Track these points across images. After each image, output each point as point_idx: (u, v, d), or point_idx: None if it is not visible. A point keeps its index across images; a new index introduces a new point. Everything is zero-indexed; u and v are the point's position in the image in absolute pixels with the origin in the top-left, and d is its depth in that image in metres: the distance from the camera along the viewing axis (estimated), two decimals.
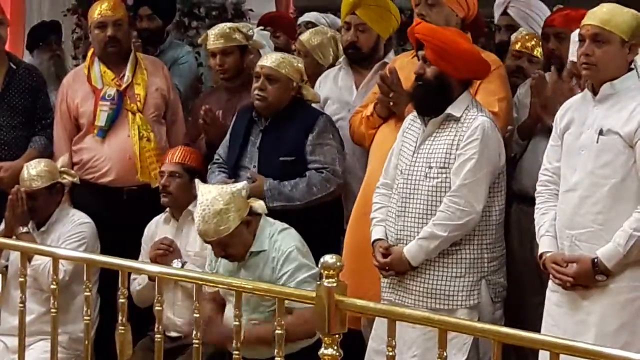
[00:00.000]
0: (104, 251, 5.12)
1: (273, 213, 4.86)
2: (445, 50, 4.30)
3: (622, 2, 4.05)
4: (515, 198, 4.79)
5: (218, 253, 4.50)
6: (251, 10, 7.14)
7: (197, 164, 5.19)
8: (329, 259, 3.30)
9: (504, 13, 5.29)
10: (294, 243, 4.49)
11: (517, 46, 5.34)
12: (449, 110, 4.31)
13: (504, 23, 5.39)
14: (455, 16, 4.75)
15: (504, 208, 4.43)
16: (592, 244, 3.91)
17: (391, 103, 4.70)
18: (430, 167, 4.31)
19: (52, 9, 7.66)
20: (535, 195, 4.18)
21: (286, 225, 4.61)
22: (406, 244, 4.31)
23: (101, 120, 5.39)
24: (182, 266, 4.92)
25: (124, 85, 5.45)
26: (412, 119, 4.46)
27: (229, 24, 5.56)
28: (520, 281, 4.68)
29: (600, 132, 3.93)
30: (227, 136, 5.17)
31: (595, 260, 3.88)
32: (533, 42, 5.31)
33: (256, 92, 4.96)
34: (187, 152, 5.21)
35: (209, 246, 4.57)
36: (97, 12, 5.44)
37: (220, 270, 4.59)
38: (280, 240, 4.50)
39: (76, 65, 6.47)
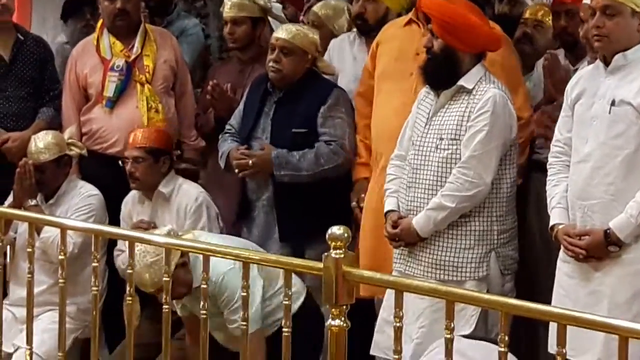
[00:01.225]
0: (112, 221, 5.13)
1: (283, 185, 4.85)
2: (451, 24, 4.28)
3: None
4: (533, 168, 4.76)
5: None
6: None
7: (159, 143, 5.14)
8: (336, 230, 3.27)
9: None
10: (223, 270, 4.33)
11: (526, 14, 5.39)
12: (461, 82, 4.30)
13: None
14: None
15: (515, 180, 4.41)
16: (604, 215, 3.89)
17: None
18: (441, 139, 4.29)
19: None
20: (547, 166, 4.16)
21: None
22: (416, 214, 4.29)
23: (109, 91, 5.37)
24: None
25: (132, 57, 5.43)
26: (427, 90, 4.44)
27: None
28: (535, 251, 4.66)
29: (613, 103, 3.90)
30: (241, 106, 5.16)
31: (608, 231, 3.86)
32: (542, 12, 5.35)
33: (271, 63, 4.93)
34: (148, 133, 5.17)
35: None
36: None
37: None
38: (211, 270, 4.24)
39: None
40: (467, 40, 4.30)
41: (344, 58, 5.29)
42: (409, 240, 4.32)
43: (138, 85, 5.39)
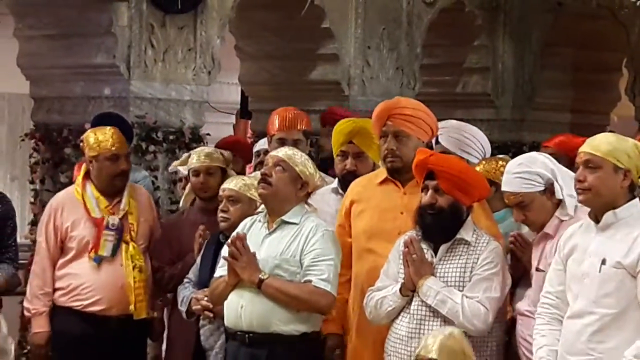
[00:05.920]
0: None
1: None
2: (460, 178, 4.45)
3: None
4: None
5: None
6: (209, 134, 7.16)
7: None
8: None
9: (436, 141, 5.45)
10: (330, 228, 4.63)
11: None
12: (461, 234, 4.48)
13: (438, 151, 5.61)
14: (422, 142, 4.88)
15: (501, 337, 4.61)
16: None
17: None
18: None
19: (10, 133, 7.50)
20: (536, 316, 4.27)
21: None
22: None
23: (107, 250, 5.29)
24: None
25: (121, 214, 5.37)
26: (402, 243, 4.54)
27: (210, 147, 5.69)
28: None
29: (603, 262, 4.02)
30: (198, 260, 5.19)
31: None
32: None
33: (220, 214, 5.02)
34: None
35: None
36: (109, 144, 5.35)
37: (251, 239, 4.64)
38: (315, 221, 4.63)
39: (34, 190, 6.33)
40: (472, 193, 4.49)
41: (324, 211, 5.28)
42: (417, 269, 4.42)
43: (123, 244, 5.34)
